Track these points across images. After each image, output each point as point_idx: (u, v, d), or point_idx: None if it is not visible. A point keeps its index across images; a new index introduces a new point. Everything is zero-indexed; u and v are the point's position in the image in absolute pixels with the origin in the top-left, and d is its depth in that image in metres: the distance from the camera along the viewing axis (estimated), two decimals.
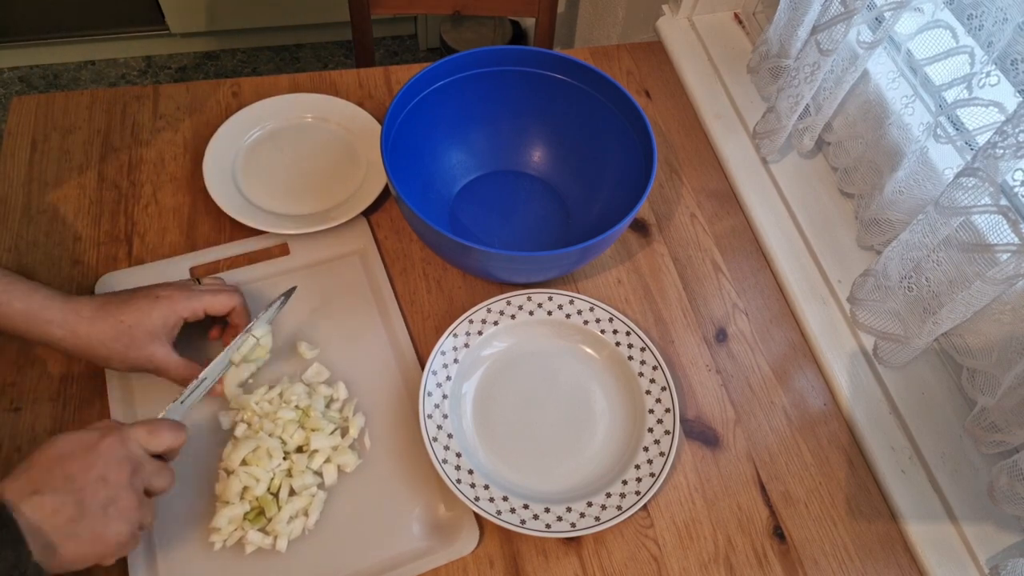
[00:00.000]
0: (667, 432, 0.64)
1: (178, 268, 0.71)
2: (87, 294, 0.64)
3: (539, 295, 0.71)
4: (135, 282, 0.68)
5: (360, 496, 0.61)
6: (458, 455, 0.62)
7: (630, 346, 0.69)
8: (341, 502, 0.61)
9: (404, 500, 0.61)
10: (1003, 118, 0.57)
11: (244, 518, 0.58)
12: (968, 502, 0.64)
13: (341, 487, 0.62)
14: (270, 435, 0.61)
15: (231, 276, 0.71)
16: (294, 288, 0.67)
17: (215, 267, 0.72)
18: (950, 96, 0.65)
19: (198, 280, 0.66)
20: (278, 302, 0.65)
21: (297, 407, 0.63)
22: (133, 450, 0.51)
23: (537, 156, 0.83)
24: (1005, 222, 0.55)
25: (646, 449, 0.64)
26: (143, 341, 0.58)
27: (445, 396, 0.65)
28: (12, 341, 0.66)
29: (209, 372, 0.60)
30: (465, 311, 0.69)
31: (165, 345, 0.60)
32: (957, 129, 0.65)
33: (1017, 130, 0.52)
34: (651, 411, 0.66)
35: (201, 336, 0.67)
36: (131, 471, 0.50)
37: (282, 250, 0.74)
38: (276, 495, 0.59)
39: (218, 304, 0.63)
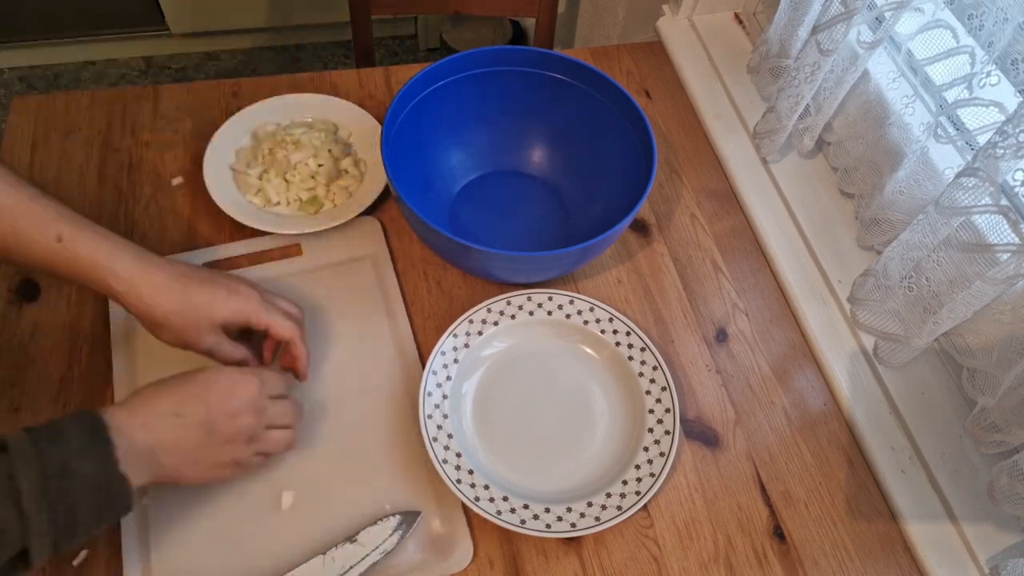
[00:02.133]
0: (667, 432, 0.64)
1: (194, 263, 0.71)
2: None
3: (539, 295, 0.71)
4: None
5: (357, 498, 0.61)
6: (458, 455, 0.62)
7: (630, 346, 0.69)
8: (339, 503, 0.61)
9: (404, 505, 0.61)
10: (1003, 118, 0.57)
11: None
12: (968, 502, 0.64)
13: (338, 488, 0.62)
14: None
15: (244, 274, 0.71)
16: (418, 514, 0.60)
17: (232, 264, 0.72)
18: (950, 96, 0.65)
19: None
20: (399, 531, 0.59)
21: None
22: (262, 398, 0.56)
23: (537, 156, 0.83)
24: (1005, 222, 0.55)
25: (646, 449, 0.64)
26: (203, 328, 0.57)
27: (445, 396, 0.65)
28: (12, 342, 0.66)
29: None
30: (465, 311, 0.69)
31: (221, 336, 0.59)
32: (957, 129, 0.65)
33: (1017, 130, 0.52)
34: (651, 411, 0.66)
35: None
36: (257, 417, 0.56)
37: (296, 251, 0.74)
38: None
39: (282, 329, 0.60)
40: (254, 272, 0.72)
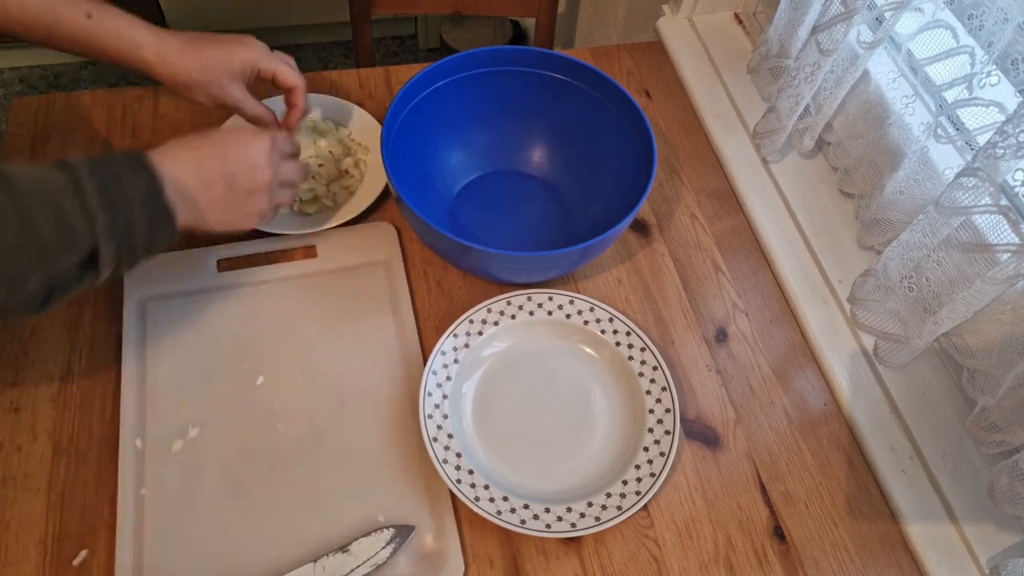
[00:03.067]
0: (667, 432, 0.64)
1: (205, 259, 0.72)
2: None
3: (539, 295, 0.71)
4: (164, 265, 0.70)
5: (351, 506, 0.61)
6: (458, 455, 0.62)
7: (630, 346, 0.69)
8: (335, 509, 0.61)
9: (398, 517, 0.61)
10: (1003, 118, 0.57)
11: None
12: (968, 502, 0.64)
13: (335, 493, 0.62)
14: None
15: (256, 274, 0.72)
16: (412, 528, 0.60)
17: (242, 261, 0.73)
18: (950, 96, 0.65)
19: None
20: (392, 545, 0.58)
21: None
22: (275, 154, 0.62)
23: (537, 156, 0.83)
24: (1005, 222, 0.55)
25: (646, 449, 0.64)
26: (224, 78, 0.65)
27: (445, 396, 0.65)
28: (12, 342, 0.66)
29: None
30: (465, 311, 0.69)
31: (241, 86, 0.67)
32: (957, 129, 0.65)
33: (1017, 130, 0.52)
34: (651, 411, 0.66)
35: None
36: (273, 171, 0.61)
37: (309, 252, 0.74)
38: None
39: (289, 77, 0.69)
40: (268, 271, 0.72)
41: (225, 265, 0.72)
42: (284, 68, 0.69)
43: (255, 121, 0.71)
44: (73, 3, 0.60)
